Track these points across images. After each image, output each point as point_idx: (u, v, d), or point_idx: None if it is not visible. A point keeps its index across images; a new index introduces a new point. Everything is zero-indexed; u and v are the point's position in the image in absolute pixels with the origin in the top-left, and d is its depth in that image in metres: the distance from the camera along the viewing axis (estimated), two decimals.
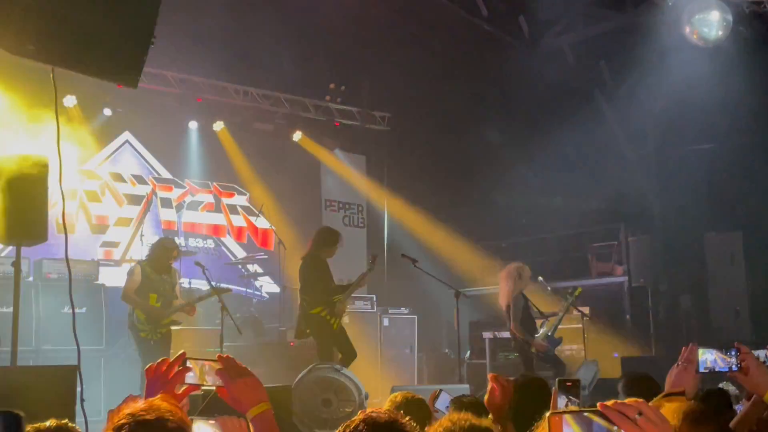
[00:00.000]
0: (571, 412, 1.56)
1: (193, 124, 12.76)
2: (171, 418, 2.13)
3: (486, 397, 3.06)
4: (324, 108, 13.90)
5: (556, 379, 2.69)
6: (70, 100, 11.02)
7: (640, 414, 1.53)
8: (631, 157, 12.38)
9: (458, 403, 3.58)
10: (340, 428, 2.17)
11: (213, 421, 2.52)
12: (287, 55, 13.05)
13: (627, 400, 1.55)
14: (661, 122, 12.12)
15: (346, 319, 11.23)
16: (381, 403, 9.16)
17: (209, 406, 2.62)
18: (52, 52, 4.85)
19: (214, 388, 2.52)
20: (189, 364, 2.53)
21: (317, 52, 12.83)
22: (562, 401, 2.68)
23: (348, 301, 8.87)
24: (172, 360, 2.56)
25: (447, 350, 13.46)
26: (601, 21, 11.65)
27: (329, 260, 8.87)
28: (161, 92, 12.03)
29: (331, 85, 13.83)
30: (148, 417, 2.11)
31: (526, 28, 12.02)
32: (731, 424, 2.79)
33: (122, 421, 2.14)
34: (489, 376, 3.05)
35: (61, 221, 9.35)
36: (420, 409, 3.53)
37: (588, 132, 11.94)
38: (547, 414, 1.57)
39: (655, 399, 2.63)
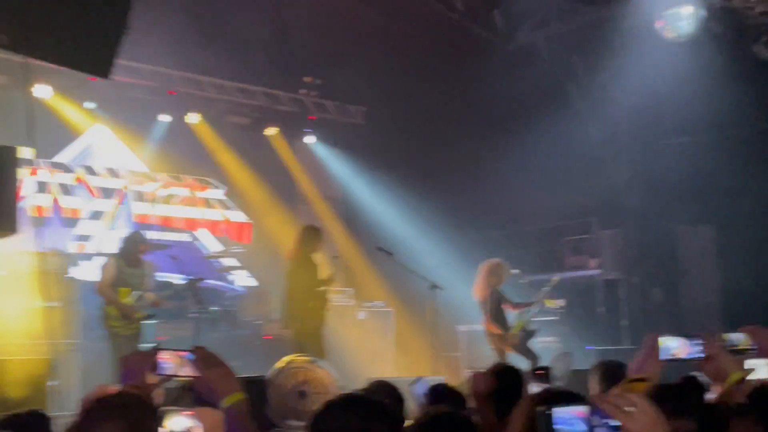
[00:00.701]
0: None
1: (166, 117, 12.67)
2: (134, 393, 2.16)
3: (470, 385, 3.10)
4: (299, 101, 13.87)
5: (529, 369, 2.74)
6: (45, 91, 10.89)
7: (633, 406, 1.56)
8: (604, 151, 12.47)
9: (435, 391, 3.61)
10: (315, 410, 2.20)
11: (190, 412, 2.54)
12: (262, 48, 13.02)
13: (620, 392, 1.58)
14: (634, 116, 12.21)
15: None
16: None
17: (184, 397, 2.63)
18: (26, 43, 4.82)
19: (188, 378, 2.52)
20: (164, 355, 2.54)
21: (292, 45, 12.80)
22: (533, 389, 2.73)
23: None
24: (146, 351, 2.57)
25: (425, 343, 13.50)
26: (575, 15, 11.72)
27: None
28: (134, 85, 11.93)
29: (307, 79, 13.80)
30: (112, 396, 2.14)
31: (501, 23, 12.07)
32: None
33: (91, 404, 2.17)
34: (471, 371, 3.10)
35: (30, 213, 9.33)
36: (392, 395, 3.55)
37: (562, 126, 12.00)
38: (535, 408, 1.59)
39: (619, 385, 2.68)
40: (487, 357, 10.10)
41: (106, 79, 5.19)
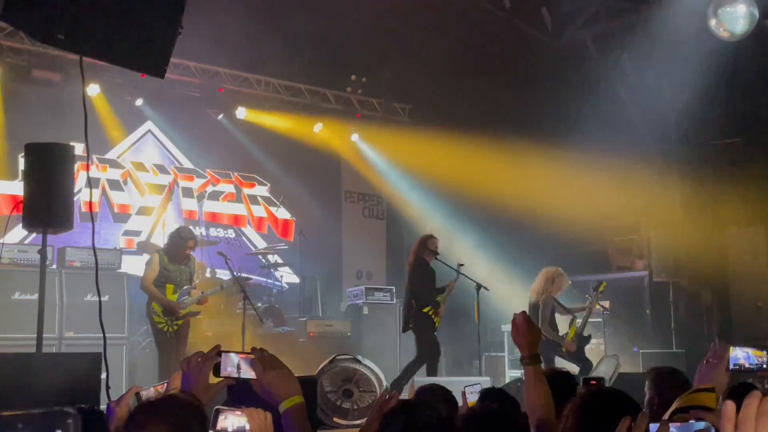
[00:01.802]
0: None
1: (214, 114, 12.80)
2: (182, 395, 2.17)
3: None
4: (345, 99, 13.90)
5: (581, 378, 2.70)
6: (93, 89, 11.10)
7: None
8: (653, 150, 12.30)
9: (488, 395, 3.58)
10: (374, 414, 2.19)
11: (239, 412, 2.55)
12: (309, 46, 13.08)
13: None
14: (683, 115, 12.01)
15: (365, 310, 11.33)
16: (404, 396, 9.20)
17: (238, 396, 2.64)
18: (82, 42, 4.87)
19: (248, 379, 2.53)
20: (225, 356, 2.55)
21: (339, 43, 12.82)
22: None
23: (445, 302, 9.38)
24: (206, 352, 2.58)
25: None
26: (624, 13, 11.58)
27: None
28: (183, 82, 12.08)
29: (353, 77, 13.84)
30: (159, 399, 2.16)
31: (549, 21, 11.96)
32: None
33: (136, 409, 2.19)
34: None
35: (84, 209, 9.48)
36: (445, 398, 3.52)
37: (610, 125, 11.86)
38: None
39: (685, 394, 2.62)
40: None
41: (161, 78, 5.22)
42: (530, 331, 3.01)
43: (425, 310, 9.11)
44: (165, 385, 2.69)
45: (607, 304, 10.58)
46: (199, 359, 2.56)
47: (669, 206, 11.95)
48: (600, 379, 2.64)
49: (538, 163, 12.59)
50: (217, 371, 2.53)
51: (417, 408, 1.89)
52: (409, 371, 8.87)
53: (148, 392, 2.69)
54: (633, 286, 12.13)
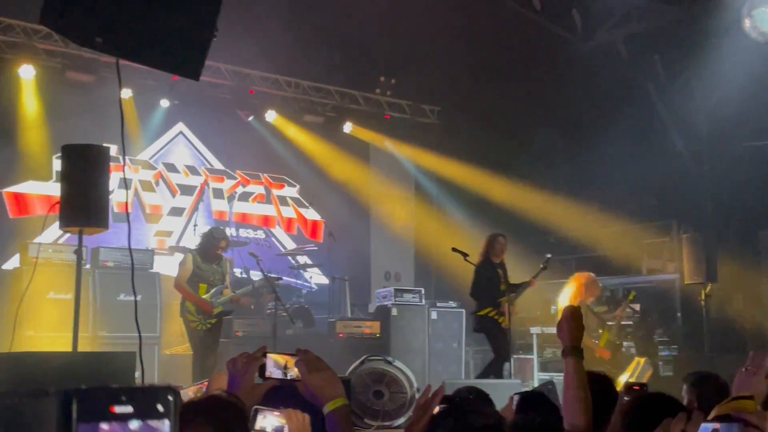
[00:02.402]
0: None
1: (244, 116, 12.90)
2: (224, 396, 2.19)
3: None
4: (374, 100, 13.93)
5: (624, 381, 2.68)
6: (125, 92, 11.21)
7: None
8: (684, 152, 12.20)
9: (525, 400, 3.56)
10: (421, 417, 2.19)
11: (278, 413, 2.57)
12: (338, 48, 13.13)
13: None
14: (715, 117, 11.91)
15: (394, 312, 11.34)
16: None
17: (279, 397, 2.66)
18: (118, 45, 4.94)
19: (293, 380, 2.55)
20: (270, 357, 2.58)
21: (368, 45, 12.86)
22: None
23: (516, 298, 9.36)
24: (252, 353, 2.61)
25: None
26: (655, 14, 11.50)
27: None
28: (214, 84, 12.18)
29: (381, 78, 13.87)
30: (201, 400, 2.18)
31: (579, 22, 11.91)
32: None
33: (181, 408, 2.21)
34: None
35: (116, 210, 9.57)
36: (484, 402, 3.52)
37: (641, 127, 11.79)
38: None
39: (724, 402, 2.61)
40: (559, 360, 10.01)
41: (196, 80, 5.27)
42: (577, 325, 2.93)
43: (484, 312, 9.11)
44: (205, 384, 2.72)
45: (637, 307, 10.52)
46: (245, 360, 2.58)
47: (701, 208, 11.86)
48: (644, 385, 2.61)
49: (566, 164, 12.55)
50: (262, 372, 2.56)
51: (467, 412, 1.88)
52: (486, 371, 8.85)
53: (189, 392, 2.73)
54: (664, 290, 12.03)
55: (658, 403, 2.41)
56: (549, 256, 9.49)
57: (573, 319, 2.93)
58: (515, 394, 3.63)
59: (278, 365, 2.56)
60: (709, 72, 11.21)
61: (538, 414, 3.33)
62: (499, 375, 8.76)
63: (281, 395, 2.59)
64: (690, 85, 11.75)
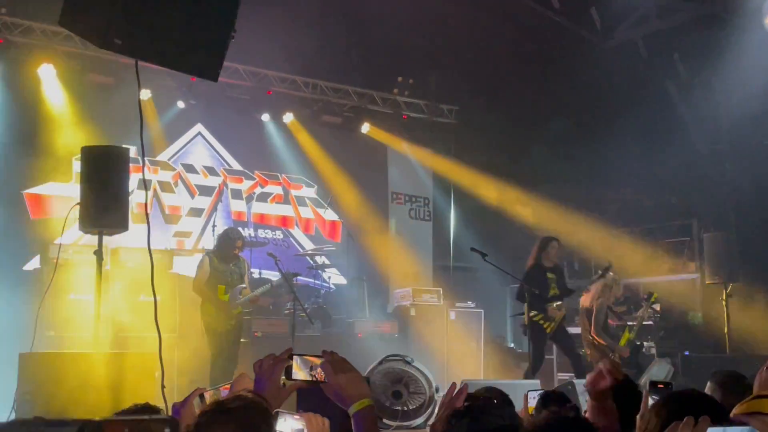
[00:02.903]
0: None
1: (263, 117, 12.93)
2: (250, 397, 2.20)
3: (590, 379, 2.97)
4: (392, 101, 13.92)
5: (648, 380, 2.65)
6: (144, 93, 11.26)
7: None
8: (704, 151, 12.12)
9: (547, 399, 3.55)
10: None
11: (297, 416, 2.57)
12: (355, 48, 13.14)
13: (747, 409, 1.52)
14: (736, 115, 11.82)
15: (413, 312, 11.34)
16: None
17: (307, 398, 2.66)
18: (138, 47, 4.96)
19: (319, 382, 2.56)
20: (296, 359, 2.58)
21: (385, 45, 12.86)
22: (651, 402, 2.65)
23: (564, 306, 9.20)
24: (277, 356, 2.61)
25: (512, 345, 13.42)
26: (675, 12, 11.43)
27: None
28: (233, 85, 12.21)
29: (399, 78, 13.87)
30: (227, 400, 2.19)
31: (598, 21, 11.86)
32: None
33: (206, 408, 2.22)
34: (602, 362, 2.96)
35: (136, 211, 9.62)
36: (504, 402, 3.50)
37: (661, 125, 11.72)
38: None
39: (745, 400, 2.58)
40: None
41: (214, 82, 5.29)
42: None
43: (532, 315, 8.94)
44: (229, 386, 2.73)
45: (657, 307, 10.45)
46: (271, 362, 2.59)
47: (721, 207, 11.77)
48: (668, 384, 2.58)
49: (585, 163, 12.49)
50: (288, 374, 2.56)
51: (482, 413, 1.87)
52: (527, 376, 8.78)
53: (213, 393, 2.73)
54: (684, 289, 11.96)
55: (693, 400, 2.39)
56: (609, 265, 9.32)
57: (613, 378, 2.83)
58: (529, 391, 3.62)
59: (304, 367, 2.57)
60: (729, 70, 11.12)
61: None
62: (531, 376, 8.69)
63: (312, 397, 2.60)
64: (710, 84, 11.67)
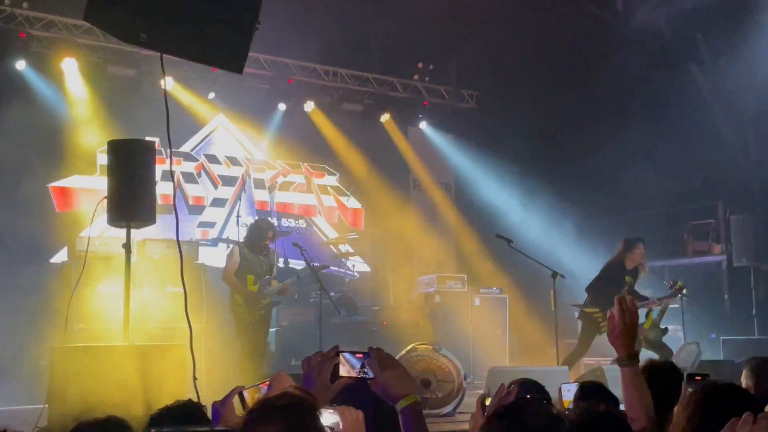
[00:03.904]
0: None
1: (283, 106, 12.92)
2: (297, 394, 2.21)
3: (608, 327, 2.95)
4: (413, 87, 13.88)
5: (685, 373, 2.64)
6: (165, 82, 11.27)
7: None
8: (729, 132, 12.00)
9: (585, 390, 3.54)
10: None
11: (332, 410, 2.59)
12: (375, 36, 13.09)
13: None
14: (760, 96, 11.71)
15: (437, 298, 11.32)
16: (479, 384, 9.18)
17: (348, 395, 2.67)
18: (163, 41, 4.97)
19: (366, 379, 2.57)
20: (343, 356, 2.60)
21: (405, 31, 12.80)
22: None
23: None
24: (325, 353, 2.62)
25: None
26: None
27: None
28: (253, 75, 12.21)
29: (420, 64, 13.82)
30: (275, 398, 2.20)
31: (620, 2, 11.74)
32: None
33: (253, 407, 2.23)
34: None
35: (160, 202, 9.65)
36: (540, 393, 3.49)
37: (684, 107, 11.61)
38: None
39: None
40: (605, 345, 9.89)
41: (239, 73, 5.30)
42: (627, 330, 2.88)
43: (590, 310, 8.87)
44: (267, 383, 2.74)
45: (684, 290, 10.37)
46: (319, 359, 2.61)
47: (747, 189, 11.66)
48: (705, 375, 2.57)
49: (610, 146, 12.39)
50: (336, 371, 2.58)
51: (523, 412, 1.86)
52: (566, 362, 8.69)
53: (252, 391, 2.75)
54: (710, 271, 11.89)
55: (730, 395, 2.38)
56: (682, 285, 9.20)
57: (624, 323, 2.87)
58: (563, 384, 3.60)
59: (351, 364, 2.58)
60: (753, 50, 11.00)
61: (598, 405, 3.30)
62: (570, 365, 8.61)
63: (346, 391, 2.61)
64: (734, 64, 11.54)
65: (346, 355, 2.60)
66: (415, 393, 2.50)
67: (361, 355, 2.58)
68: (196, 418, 2.94)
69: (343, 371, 2.58)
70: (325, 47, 12.44)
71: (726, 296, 11.60)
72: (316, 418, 2.16)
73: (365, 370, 2.55)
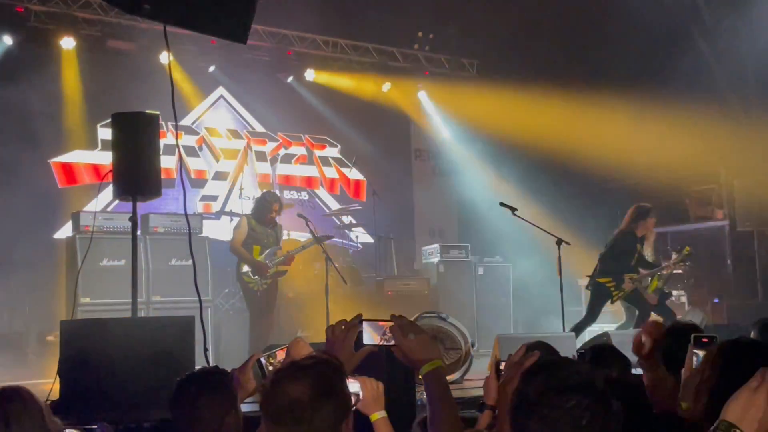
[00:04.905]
0: None
1: (283, 78, 12.86)
2: (324, 356, 2.23)
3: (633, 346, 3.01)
4: (412, 56, 13.81)
5: (692, 335, 2.65)
6: (166, 58, 11.22)
7: None
8: (731, 96, 11.95)
9: (597, 352, 3.56)
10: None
11: (352, 379, 2.62)
12: (374, 5, 12.99)
13: None
14: (762, 61, 11.64)
15: (441, 268, 11.35)
16: (485, 352, 9.21)
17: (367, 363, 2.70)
18: (166, 12, 4.94)
19: (389, 346, 2.59)
20: (366, 324, 2.62)
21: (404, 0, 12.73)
22: (695, 357, 2.65)
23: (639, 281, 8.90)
24: (348, 321, 2.65)
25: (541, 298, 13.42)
26: None
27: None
28: (253, 47, 12.13)
29: (419, 33, 13.74)
30: (302, 359, 2.22)
31: None
32: None
33: (280, 367, 2.25)
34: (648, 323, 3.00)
35: (162, 176, 9.61)
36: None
37: (686, 73, 11.55)
38: None
39: None
40: (608, 312, 9.93)
41: (243, 44, 5.28)
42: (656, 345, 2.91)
43: (604, 280, 8.80)
44: (284, 350, 2.76)
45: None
46: (343, 327, 2.63)
47: (750, 154, 11.63)
48: (713, 337, 2.58)
49: (610, 113, 12.35)
50: (359, 340, 2.60)
51: (560, 368, 1.87)
52: (573, 330, 8.60)
53: (269, 358, 2.77)
54: (713, 237, 11.90)
55: (748, 348, 2.38)
56: (689, 249, 9.08)
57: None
58: (579, 352, 3.61)
59: (373, 332, 2.61)
60: (755, 14, 10.92)
61: (612, 368, 3.33)
62: (577, 332, 8.60)
63: (366, 360, 2.64)
64: (736, 29, 11.47)
65: (369, 323, 2.62)
66: (438, 358, 2.53)
67: (383, 323, 2.60)
68: (222, 385, 2.97)
69: (367, 339, 2.61)
70: (324, 18, 12.36)
71: (728, 261, 11.63)
72: (342, 380, 2.18)
73: (388, 338, 2.58)
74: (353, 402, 2.56)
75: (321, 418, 2.06)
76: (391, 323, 2.58)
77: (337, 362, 2.23)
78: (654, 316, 8.61)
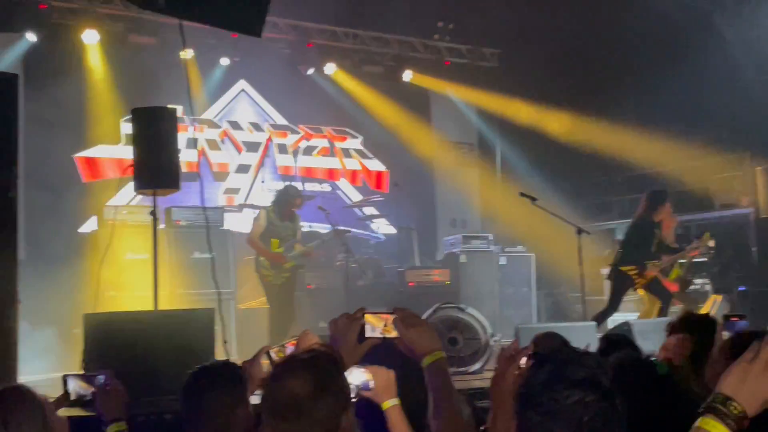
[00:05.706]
0: None
1: (304, 70, 12.89)
2: (324, 350, 2.25)
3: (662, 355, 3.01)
4: (433, 47, 13.78)
5: (722, 315, 2.65)
6: (187, 53, 11.29)
7: None
8: (755, 82, 11.81)
9: (609, 340, 3.56)
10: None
11: (364, 369, 2.64)
12: None
13: None
14: None
15: (463, 258, 11.34)
16: (507, 343, 9.20)
17: (369, 354, 2.72)
18: (182, 6, 4.99)
19: (392, 338, 2.61)
20: (368, 317, 2.64)
21: None
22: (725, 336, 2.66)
23: (662, 267, 8.87)
24: (351, 314, 2.67)
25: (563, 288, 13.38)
26: None
27: None
28: (273, 39, 12.17)
29: (439, 23, 13.70)
30: (302, 353, 2.25)
31: None
32: None
33: (279, 362, 2.28)
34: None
35: (184, 170, 9.70)
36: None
37: (709, 58, 11.43)
38: None
39: None
40: (630, 300, 9.88)
41: (258, 37, 5.31)
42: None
43: (624, 268, 8.74)
44: (294, 342, 2.79)
45: (711, 243, 10.31)
46: (346, 320, 2.65)
47: None
48: (742, 315, 2.57)
49: (632, 100, 12.27)
50: (362, 332, 2.63)
51: (565, 362, 1.86)
52: (596, 319, 8.52)
53: (279, 350, 2.80)
54: (738, 224, 11.77)
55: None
56: (708, 235, 9.09)
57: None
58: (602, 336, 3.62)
59: (377, 324, 2.63)
60: None
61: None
62: (600, 321, 8.54)
63: (377, 351, 2.66)
64: (758, 11, 11.33)
65: (372, 315, 2.64)
66: (440, 349, 2.54)
67: (385, 316, 2.62)
68: (232, 378, 3.01)
69: (369, 332, 2.63)
70: (345, 9, 12.36)
71: (754, 249, 11.50)
72: (340, 372, 2.20)
73: (387, 329, 2.60)
74: (363, 392, 2.59)
75: (321, 411, 2.08)
76: (393, 315, 2.60)
77: (336, 355, 2.25)
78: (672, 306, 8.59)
